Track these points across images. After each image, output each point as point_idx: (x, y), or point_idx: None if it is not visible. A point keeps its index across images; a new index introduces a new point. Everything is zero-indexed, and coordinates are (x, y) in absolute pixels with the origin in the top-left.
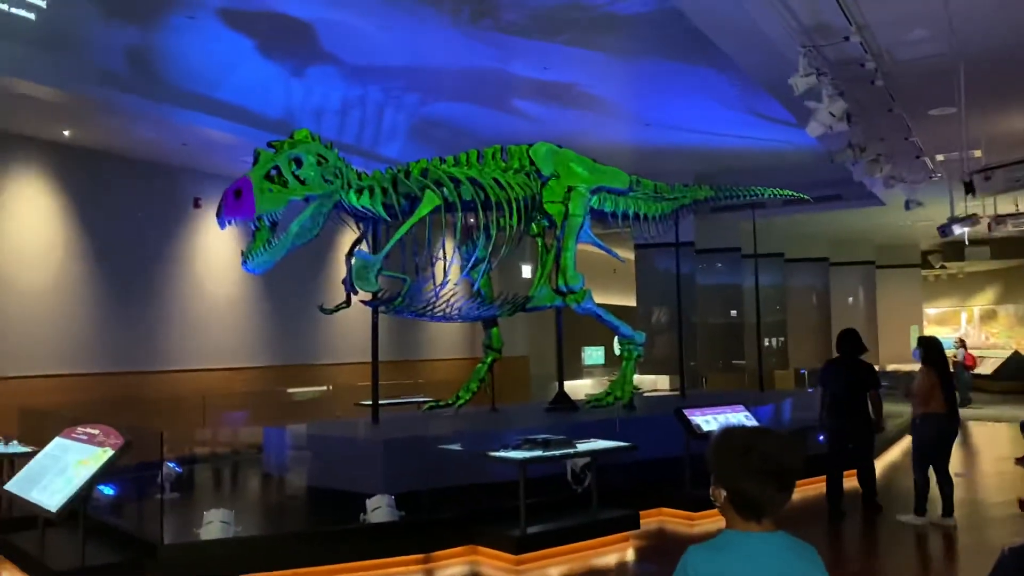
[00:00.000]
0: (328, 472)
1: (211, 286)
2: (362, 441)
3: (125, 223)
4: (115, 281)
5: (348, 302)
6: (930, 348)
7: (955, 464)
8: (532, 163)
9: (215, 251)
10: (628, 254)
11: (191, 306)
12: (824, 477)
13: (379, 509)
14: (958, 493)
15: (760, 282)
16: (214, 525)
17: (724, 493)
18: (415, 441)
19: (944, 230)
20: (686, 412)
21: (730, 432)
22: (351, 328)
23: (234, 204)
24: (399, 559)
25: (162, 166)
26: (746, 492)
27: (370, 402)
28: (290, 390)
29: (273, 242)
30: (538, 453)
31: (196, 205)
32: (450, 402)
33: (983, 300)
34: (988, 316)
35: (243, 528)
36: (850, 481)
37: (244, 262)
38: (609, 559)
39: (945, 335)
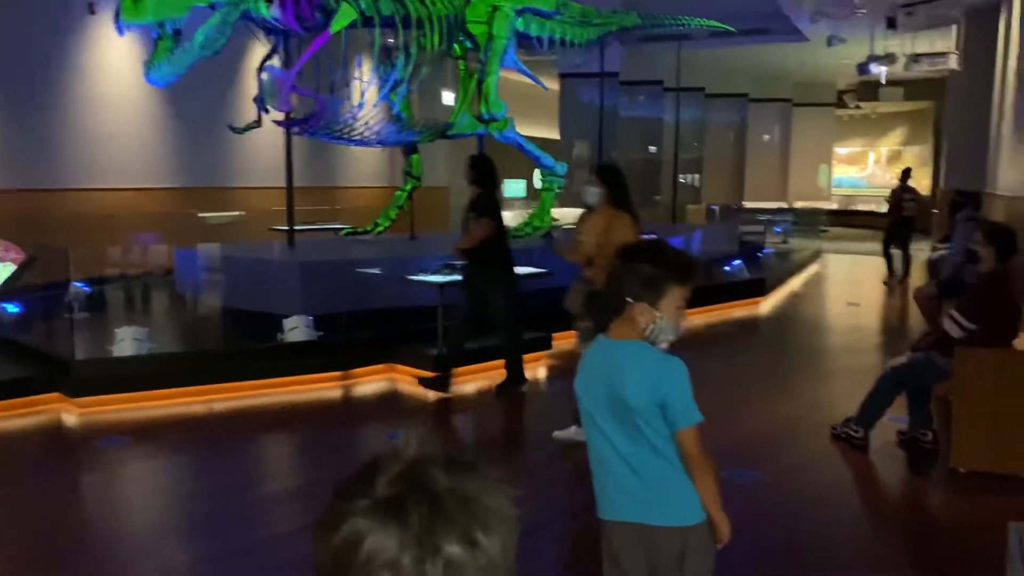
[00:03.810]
0: (243, 294)
1: (113, 100)
2: (278, 263)
3: (11, 26)
4: (5, 90)
5: (259, 122)
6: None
7: (854, 294)
8: None
9: (116, 62)
10: (552, 84)
11: (93, 121)
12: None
13: (296, 329)
14: (854, 320)
15: (680, 117)
16: (126, 342)
17: None
18: (332, 265)
19: (863, 68)
20: None
21: None
22: (264, 150)
23: None
24: (318, 376)
25: None
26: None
27: (285, 227)
28: (201, 215)
29: (177, 52)
30: (457, 277)
31: (91, 11)
32: (368, 229)
33: (891, 141)
34: (894, 157)
35: (157, 346)
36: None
37: (146, 73)
38: None
39: (852, 174)
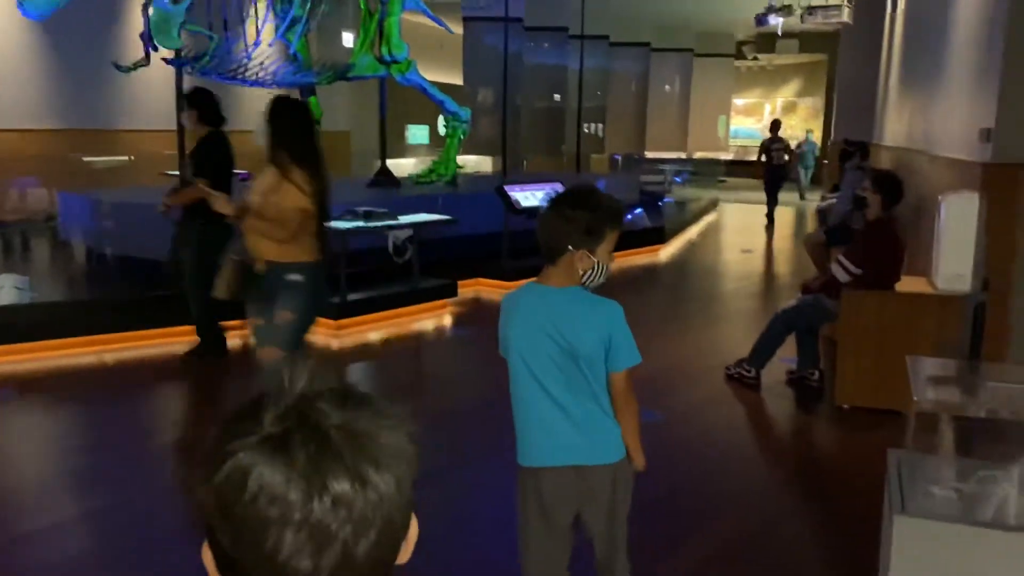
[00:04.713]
0: (133, 240)
1: None
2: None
3: None
4: None
5: (147, 60)
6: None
7: (748, 242)
8: None
9: None
10: (456, 28)
11: None
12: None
13: None
14: (748, 266)
15: (584, 65)
16: (6, 291)
17: None
18: None
19: (761, 19)
20: (506, 188)
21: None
22: (153, 91)
23: None
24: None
25: None
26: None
27: (177, 172)
28: (86, 158)
29: None
30: (360, 224)
31: None
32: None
33: (786, 93)
34: (789, 108)
35: (39, 295)
36: None
37: (20, 4)
38: (427, 324)
39: (750, 125)
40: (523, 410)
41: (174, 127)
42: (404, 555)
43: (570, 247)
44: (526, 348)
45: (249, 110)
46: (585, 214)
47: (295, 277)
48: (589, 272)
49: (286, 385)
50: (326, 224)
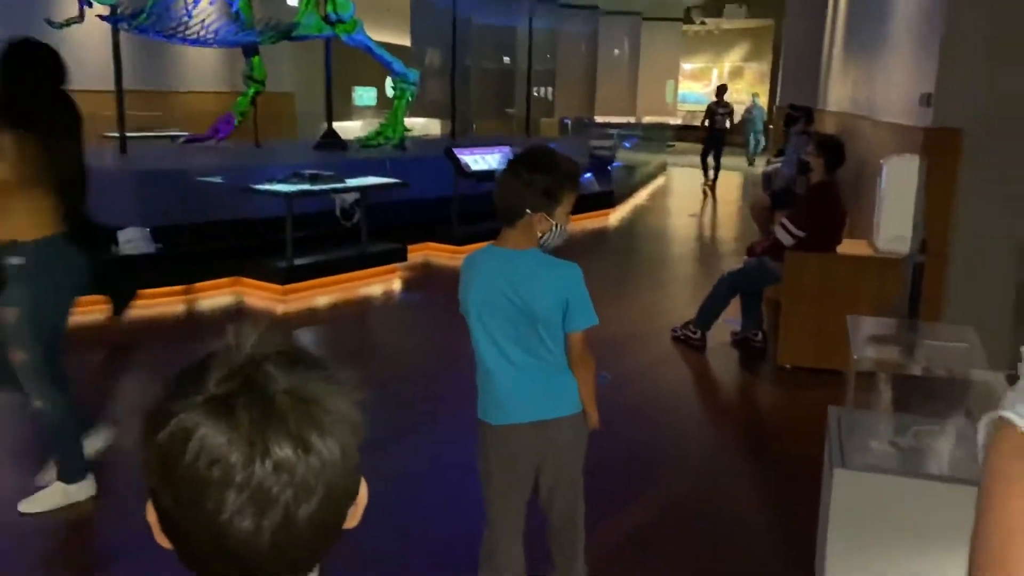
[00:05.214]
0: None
1: None
2: (109, 171)
3: None
4: None
5: (81, 16)
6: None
7: (695, 206)
8: None
9: None
10: None
11: None
12: None
13: (132, 241)
14: (694, 230)
15: (534, 27)
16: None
17: None
18: (170, 174)
19: None
20: (456, 151)
21: None
22: (88, 49)
23: None
24: (158, 290)
25: None
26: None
27: (116, 133)
28: None
29: None
30: (306, 187)
31: None
32: (209, 135)
33: (733, 58)
34: (736, 73)
35: None
36: None
37: None
38: (376, 289)
39: (698, 90)
40: (483, 370)
41: (111, 87)
42: (353, 520)
43: (528, 210)
44: (484, 310)
45: (194, 69)
46: (543, 177)
47: (15, 260)
48: (547, 234)
49: (233, 345)
50: (74, 189)
